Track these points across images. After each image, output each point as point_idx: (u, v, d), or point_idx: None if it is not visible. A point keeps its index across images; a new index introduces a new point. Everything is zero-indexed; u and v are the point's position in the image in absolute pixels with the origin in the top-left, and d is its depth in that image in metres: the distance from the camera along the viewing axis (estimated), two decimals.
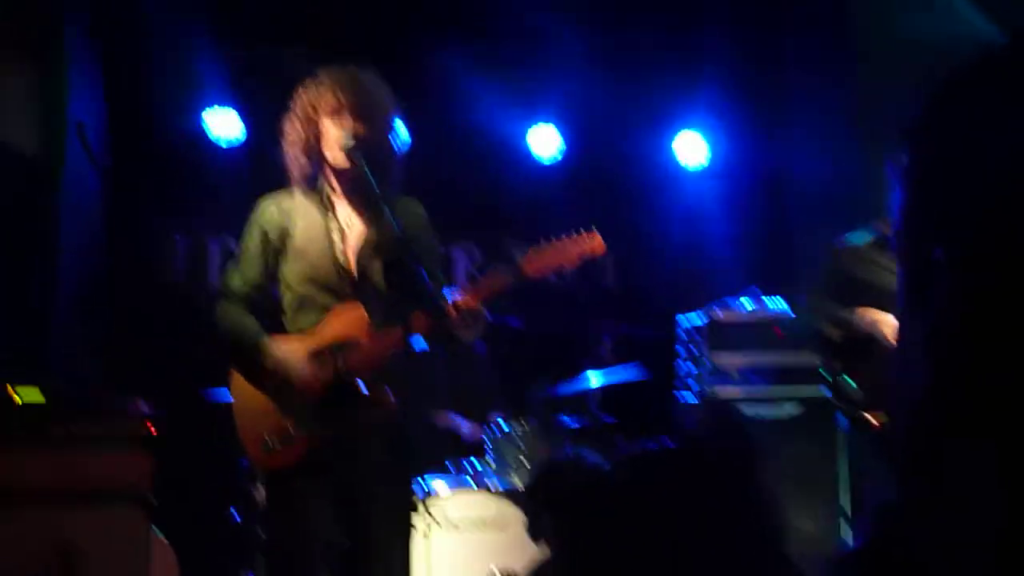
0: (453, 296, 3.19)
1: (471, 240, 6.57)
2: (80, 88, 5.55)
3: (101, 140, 5.78)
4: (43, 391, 4.25)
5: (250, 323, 3.39)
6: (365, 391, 3.28)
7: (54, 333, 5.31)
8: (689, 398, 5.44)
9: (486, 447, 4.98)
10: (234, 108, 6.14)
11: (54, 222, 5.35)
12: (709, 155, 6.64)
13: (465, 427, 5.31)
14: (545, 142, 6.56)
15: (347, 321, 3.32)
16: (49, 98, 5.35)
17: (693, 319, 5.53)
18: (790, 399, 5.30)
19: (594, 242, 3.29)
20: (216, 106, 6.14)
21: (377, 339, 3.29)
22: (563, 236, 3.27)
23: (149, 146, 6.01)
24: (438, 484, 4.67)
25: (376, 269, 3.37)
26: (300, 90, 3.42)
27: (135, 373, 5.28)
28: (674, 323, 5.73)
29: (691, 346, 5.57)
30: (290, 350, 3.29)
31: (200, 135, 6.15)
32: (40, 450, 3.84)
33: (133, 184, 5.90)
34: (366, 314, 3.31)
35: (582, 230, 3.30)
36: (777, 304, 5.55)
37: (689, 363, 5.58)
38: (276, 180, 3.49)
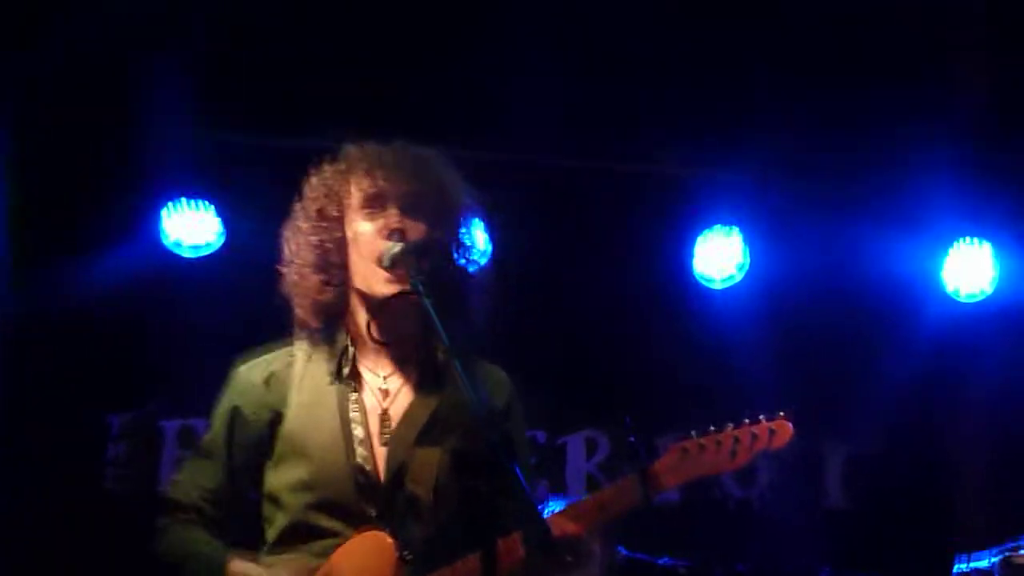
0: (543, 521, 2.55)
1: (595, 426, 5.54)
2: None
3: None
4: None
5: (201, 543, 2.76)
6: None
7: None
8: None
9: None
10: (211, 202, 4.91)
11: None
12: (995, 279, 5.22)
13: None
14: (717, 256, 5.08)
15: (363, 561, 2.70)
16: None
17: (977, 564, 4.68)
18: None
19: (779, 432, 2.65)
20: (182, 200, 4.85)
21: None
22: (729, 425, 2.64)
23: (66, 273, 4.81)
24: None
25: (425, 470, 2.71)
26: (312, 177, 2.80)
27: None
28: (946, 567, 4.77)
29: None
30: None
31: (155, 245, 4.95)
32: None
33: (41, 338, 4.82)
34: (395, 549, 2.69)
35: (761, 417, 2.63)
36: None
37: None
38: (273, 325, 2.82)
